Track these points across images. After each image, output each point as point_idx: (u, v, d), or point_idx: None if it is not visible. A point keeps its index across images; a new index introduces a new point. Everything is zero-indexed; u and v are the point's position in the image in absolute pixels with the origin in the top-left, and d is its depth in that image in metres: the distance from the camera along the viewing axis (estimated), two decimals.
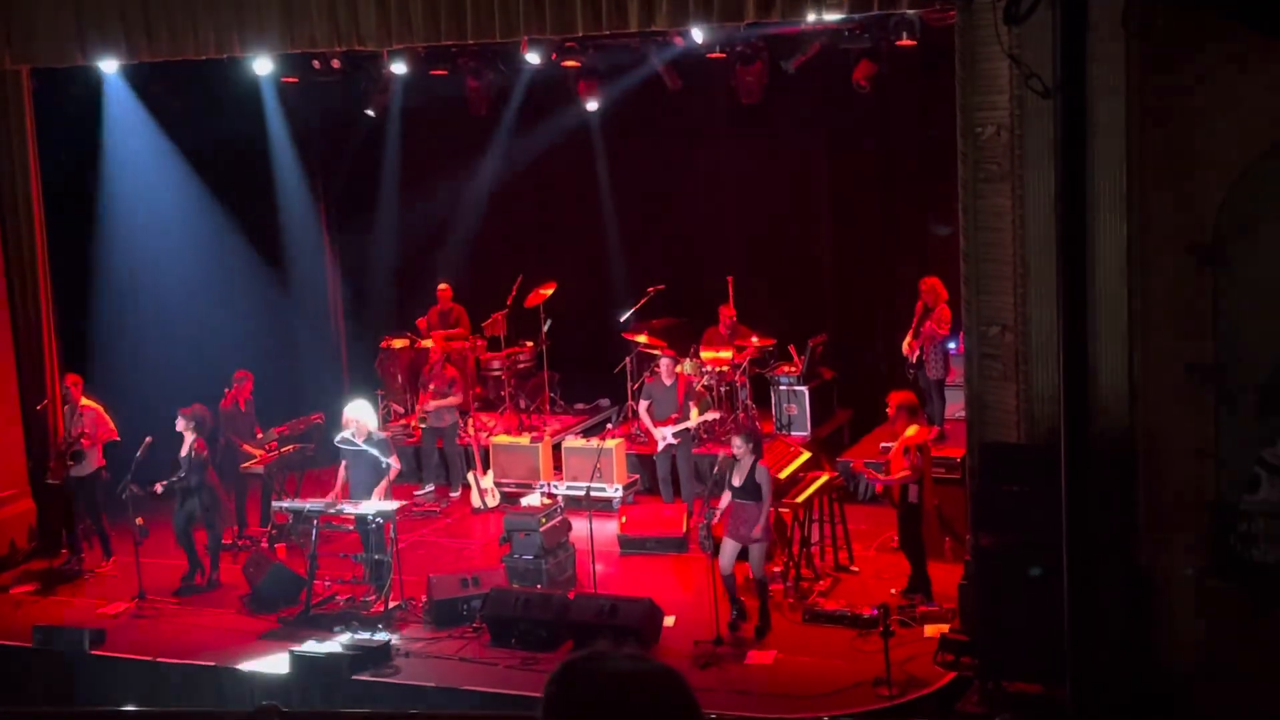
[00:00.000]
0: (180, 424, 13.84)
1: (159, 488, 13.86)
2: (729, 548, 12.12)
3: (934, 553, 13.28)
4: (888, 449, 15.29)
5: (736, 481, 12.04)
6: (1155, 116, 10.53)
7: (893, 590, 12.77)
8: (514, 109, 17.82)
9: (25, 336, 15.44)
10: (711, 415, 15.43)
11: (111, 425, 14.74)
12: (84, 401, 14.75)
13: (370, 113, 17.74)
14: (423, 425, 16.79)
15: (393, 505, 13.33)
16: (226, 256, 17.71)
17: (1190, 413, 10.72)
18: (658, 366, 16.12)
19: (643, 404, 15.56)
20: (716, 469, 12.36)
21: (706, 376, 16.41)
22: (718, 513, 12.27)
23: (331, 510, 13.35)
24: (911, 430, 12.62)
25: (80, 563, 14.67)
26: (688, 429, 15.27)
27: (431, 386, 16.51)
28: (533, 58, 15.83)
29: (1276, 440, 10.58)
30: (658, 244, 18.25)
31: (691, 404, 15.33)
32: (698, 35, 14.87)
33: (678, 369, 15.73)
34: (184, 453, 13.86)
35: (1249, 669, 10.40)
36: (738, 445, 12.12)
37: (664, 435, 15.25)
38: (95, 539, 14.88)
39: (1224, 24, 10.10)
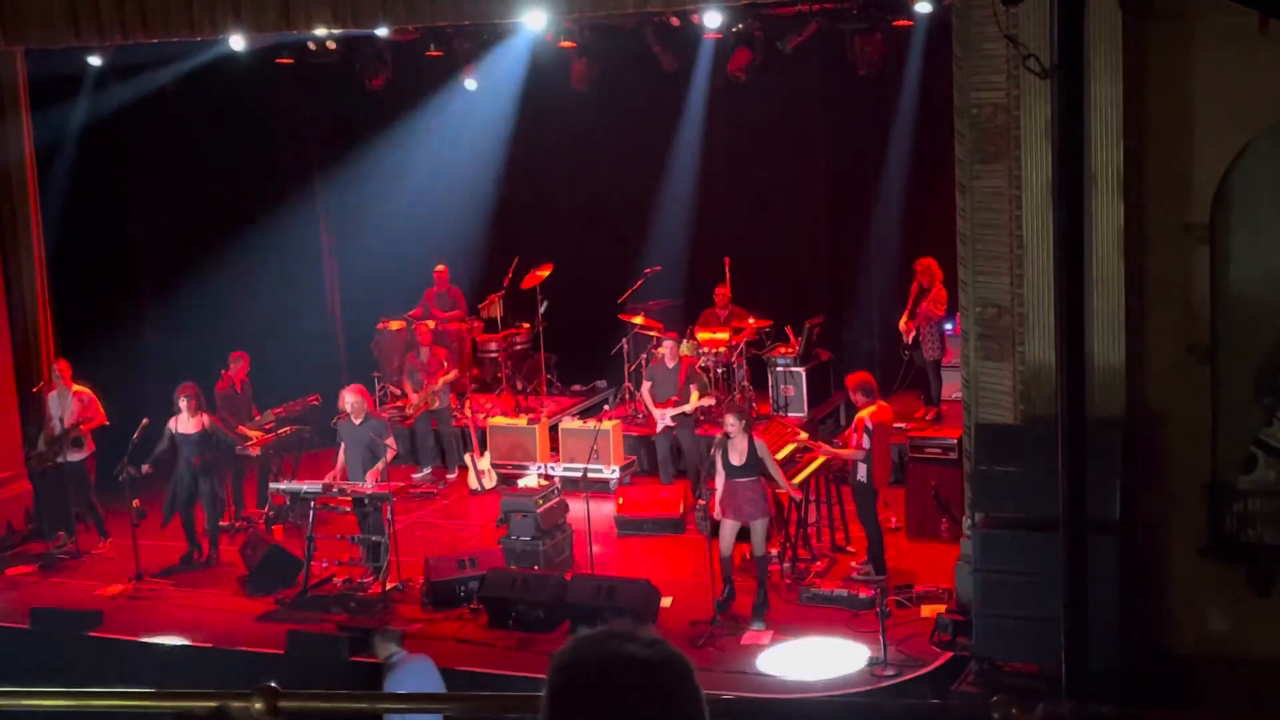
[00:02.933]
0: (182, 401, 13.87)
1: (150, 470, 13.87)
2: (729, 529, 12.12)
3: (930, 533, 13.32)
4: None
5: (736, 460, 12.01)
6: (1152, 97, 10.52)
7: (853, 564, 12.91)
8: (510, 89, 17.75)
9: (21, 318, 15.43)
10: (707, 401, 15.38)
11: (102, 410, 14.72)
12: (75, 387, 14.70)
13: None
14: (413, 407, 16.77)
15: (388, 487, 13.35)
16: (222, 237, 17.67)
17: (1187, 393, 10.73)
18: (655, 347, 16.13)
19: (645, 385, 15.59)
20: (712, 450, 12.34)
21: (704, 358, 16.40)
22: (714, 494, 12.25)
23: (329, 492, 13.36)
24: (867, 410, 12.66)
25: (76, 544, 14.66)
26: (684, 412, 15.26)
27: (405, 371, 16.59)
28: (530, 22, 15.64)
29: (1273, 420, 10.59)
30: (654, 225, 18.20)
31: (692, 387, 15.31)
32: (695, 16, 14.81)
33: (680, 349, 15.76)
34: (184, 430, 13.86)
35: (1245, 648, 10.42)
36: (731, 423, 12.11)
37: (663, 417, 15.27)
38: (90, 522, 14.87)
39: (1223, 2, 10.07)
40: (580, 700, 2.43)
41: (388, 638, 9.96)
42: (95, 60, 15.69)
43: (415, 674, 9.71)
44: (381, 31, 15.25)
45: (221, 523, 14.86)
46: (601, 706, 2.41)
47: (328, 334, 19.33)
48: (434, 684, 9.91)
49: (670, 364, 15.36)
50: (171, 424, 13.97)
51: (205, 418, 14.05)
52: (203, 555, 14.09)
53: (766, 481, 12.22)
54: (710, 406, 15.62)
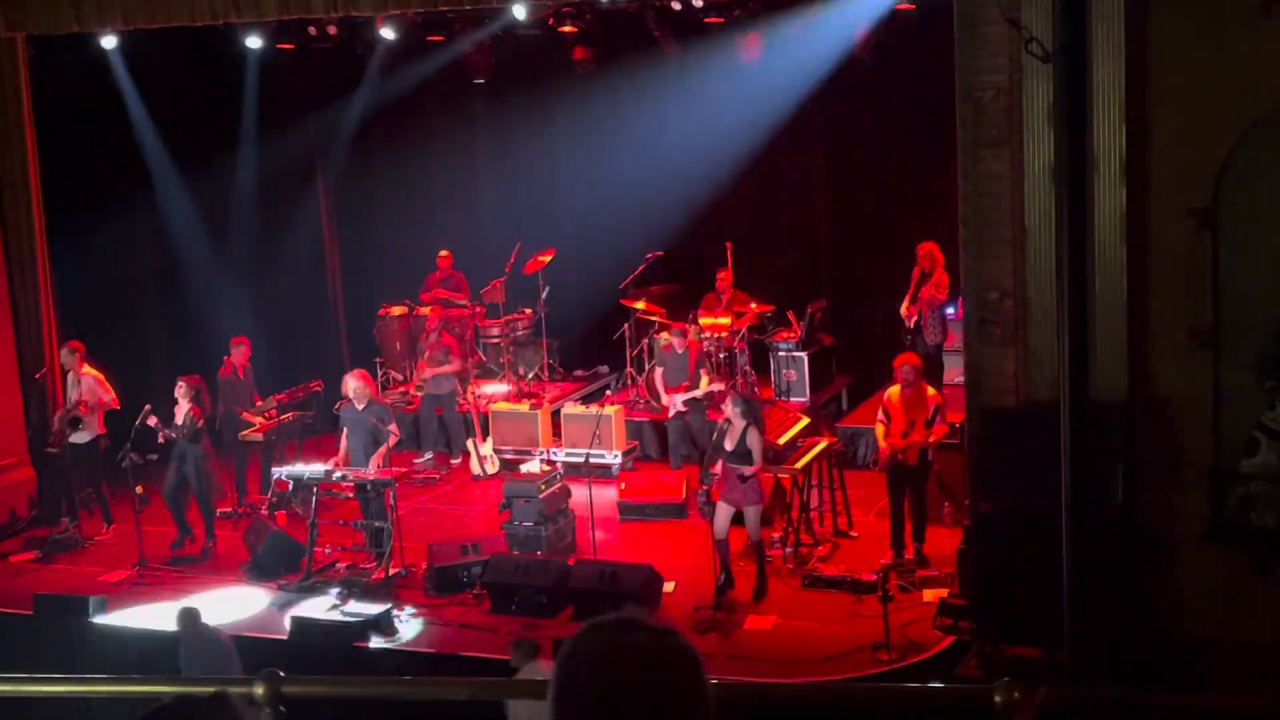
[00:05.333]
0: (179, 390, 13.85)
1: (154, 457, 13.85)
2: (722, 512, 12.16)
3: (933, 518, 13.31)
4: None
5: (729, 446, 12.06)
6: (1155, 80, 10.49)
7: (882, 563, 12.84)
8: (511, 75, 17.72)
9: (23, 305, 15.44)
10: (716, 386, 15.37)
11: (112, 393, 14.71)
12: (85, 369, 14.70)
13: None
14: (420, 393, 16.81)
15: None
16: (225, 223, 17.67)
17: (1189, 377, 10.71)
18: (656, 333, 16.14)
19: (657, 371, 15.61)
20: (715, 435, 12.36)
21: (706, 343, 16.40)
22: (714, 478, 12.27)
23: (331, 478, 13.36)
24: (932, 390, 12.73)
25: (79, 530, 14.66)
26: (696, 397, 15.27)
27: (427, 354, 16.53)
28: (516, 12, 15.62)
29: (1275, 404, 10.58)
30: (656, 210, 18.18)
31: (702, 372, 15.34)
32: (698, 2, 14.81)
33: (691, 335, 15.79)
34: (179, 419, 13.85)
35: (1247, 632, 10.43)
36: (729, 409, 12.16)
37: (675, 402, 15.29)
38: (95, 507, 14.89)
39: None
40: (587, 691, 2.43)
41: (189, 615, 10.94)
42: (106, 42, 15.59)
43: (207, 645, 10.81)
44: (388, 34, 15.20)
45: (224, 509, 14.90)
46: (608, 698, 2.42)
47: (330, 320, 19.34)
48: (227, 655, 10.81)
49: (680, 350, 15.40)
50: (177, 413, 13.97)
51: (190, 408, 13.96)
52: (195, 544, 14.04)
53: (763, 469, 12.26)
54: (719, 391, 15.63)
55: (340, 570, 13.27)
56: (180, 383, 13.93)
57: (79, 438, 14.56)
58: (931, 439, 12.57)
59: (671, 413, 15.38)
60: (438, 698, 10.40)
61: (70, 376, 14.74)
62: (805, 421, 14.29)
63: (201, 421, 13.97)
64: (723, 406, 12.51)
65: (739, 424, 12.06)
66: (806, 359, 16.43)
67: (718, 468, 12.30)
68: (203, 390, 14.08)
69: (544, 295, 17.59)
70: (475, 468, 15.98)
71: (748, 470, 11.99)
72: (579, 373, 18.50)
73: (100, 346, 15.32)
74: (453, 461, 16.48)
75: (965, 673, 10.72)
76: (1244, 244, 10.58)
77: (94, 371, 14.73)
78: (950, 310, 15.46)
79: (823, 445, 13.56)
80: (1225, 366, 10.69)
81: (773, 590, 12.31)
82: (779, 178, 17.96)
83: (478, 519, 14.64)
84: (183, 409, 13.88)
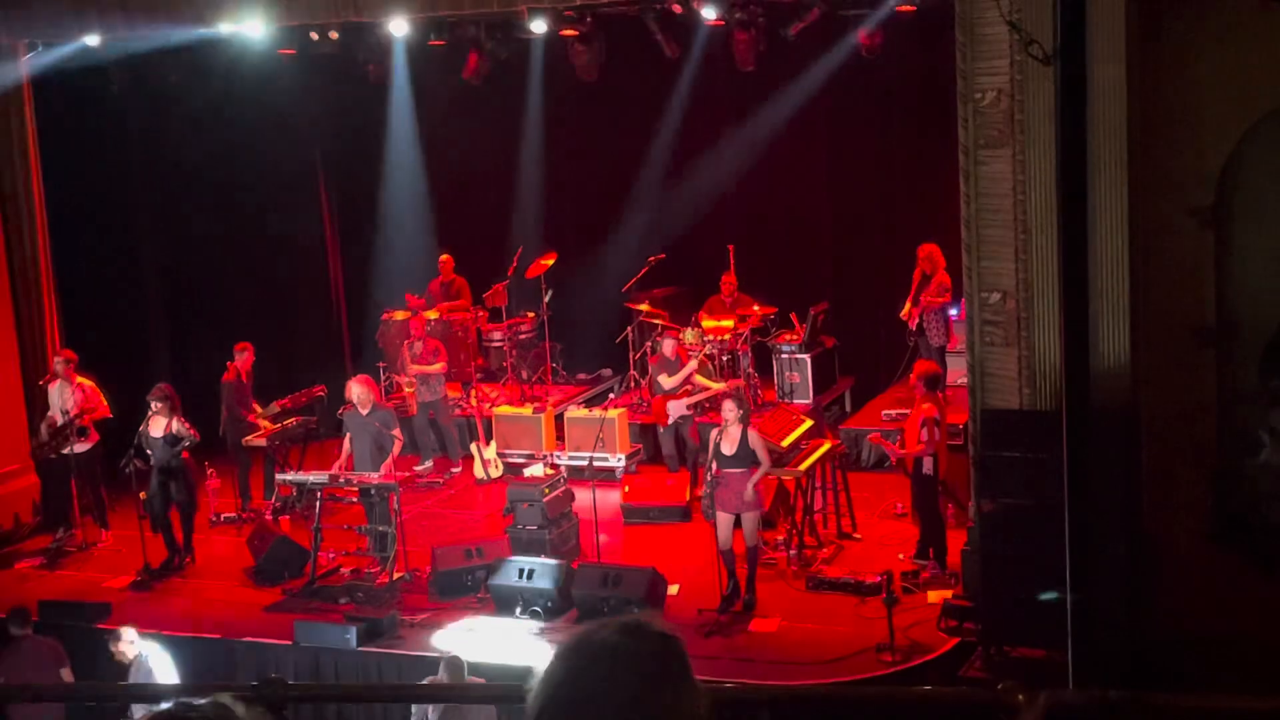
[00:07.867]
0: (154, 405, 13.74)
1: (136, 464, 13.66)
2: (724, 521, 12.00)
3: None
4: (890, 416, 15.30)
5: (727, 450, 11.95)
6: (1156, 81, 10.51)
7: (901, 555, 12.73)
8: (513, 79, 17.71)
9: (27, 313, 15.45)
10: (718, 386, 15.30)
11: (105, 402, 14.67)
12: (78, 379, 14.65)
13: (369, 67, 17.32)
14: (409, 389, 16.66)
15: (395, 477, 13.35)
16: (226, 228, 17.67)
17: (1193, 376, 10.73)
18: (659, 335, 16.12)
19: (666, 380, 15.48)
20: (713, 439, 12.25)
21: (709, 345, 16.36)
22: (714, 483, 12.15)
23: (335, 482, 13.36)
24: (928, 405, 12.49)
25: (84, 536, 14.62)
26: (703, 400, 15.16)
27: (408, 356, 16.43)
28: (534, 27, 15.68)
29: (1278, 403, 10.58)
30: (658, 213, 18.19)
31: (694, 372, 15.22)
32: (699, 5, 14.78)
33: (683, 338, 15.75)
34: (157, 434, 13.71)
35: (1251, 631, 10.42)
36: (729, 410, 12.07)
37: (677, 409, 15.16)
38: (95, 514, 14.83)
39: None
40: (559, 685, 2.42)
41: (121, 637, 10.92)
42: (94, 40, 15.55)
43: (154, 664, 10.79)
44: (400, 30, 15.18)
45: (227, 514, 14.90)
46: (578, 689, 2.40)
47: (332, 325, 19.34)
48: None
49: (671, 357, 15.29)
50: (142, 428, 13.75)
51: (174, 421, 13.79)
52: (181, 559, 13.91)
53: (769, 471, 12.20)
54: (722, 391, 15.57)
55: (344, 575, 13.26)
56: (154, 401, 13.73)
57: (79, 446, 14.52)
58: (894, 447, 12.69)
59: (670, 419, 15.29)
60: (440, 701, 10.42)
61: (60, 385, 14.65)
62: (809, 424, 14.29)
63: (193, 430, 13.88)
64: (722, 410, 12.42)
65: (736, 427, 11.99)
66: (809, 361, 16.41)
67: (717, 473, 12.24)
68: (173, 399, 13.92)
69: (547, 299, 17.58)
70: (479, 471, 15.97)
71: (753, 479, 11.91)
72: (582, 376, 18.50)
73: (100, 352, 15.32)
74: (454, 469, 16.37)
75: (970, 674, 10.72)
76: (1246, 243, 10.59)
77: (87, 380, 14.68)
78: (954, 311, 15.46)
79: (826, 447, 13.55)
80: (1228, 365, 10.71)
81: (777, 592, 12.30)
82: (780, 180, 17.95)
83: (481, 523, 14.63)
84: (160, 424, 13.70)
